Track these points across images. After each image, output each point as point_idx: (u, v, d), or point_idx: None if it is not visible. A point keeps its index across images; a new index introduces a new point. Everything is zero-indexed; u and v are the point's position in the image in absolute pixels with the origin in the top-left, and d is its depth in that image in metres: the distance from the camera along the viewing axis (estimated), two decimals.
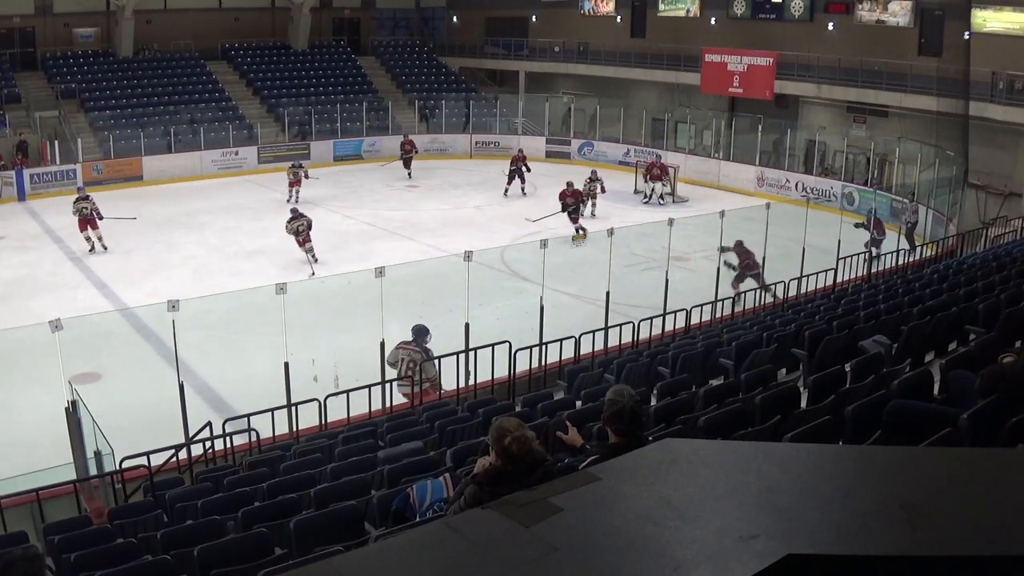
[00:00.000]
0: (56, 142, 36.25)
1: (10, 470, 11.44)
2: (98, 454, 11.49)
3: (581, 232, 26.24)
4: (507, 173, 34.15)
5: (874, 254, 21.31)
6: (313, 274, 23.66)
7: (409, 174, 37.08)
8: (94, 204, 26.30)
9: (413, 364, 14.09)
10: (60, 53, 42.10)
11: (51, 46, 42.21)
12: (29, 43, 42.28)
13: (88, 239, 26.10)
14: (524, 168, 34.08)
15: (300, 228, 24.86)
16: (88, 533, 8.24)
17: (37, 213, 31.97)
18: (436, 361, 14.28)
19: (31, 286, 23.21)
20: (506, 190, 33.94)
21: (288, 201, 30.84)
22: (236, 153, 38.84)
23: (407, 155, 37.19)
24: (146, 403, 14.71)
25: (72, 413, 11.81)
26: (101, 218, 26.27)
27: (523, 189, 33.98)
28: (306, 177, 32.70)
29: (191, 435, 12.60)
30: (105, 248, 25.96)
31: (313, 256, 24.44)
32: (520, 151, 35.33)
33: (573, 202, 27.41)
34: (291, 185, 32.21)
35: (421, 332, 14.49)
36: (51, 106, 38.84)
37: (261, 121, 41.16)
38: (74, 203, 26.47)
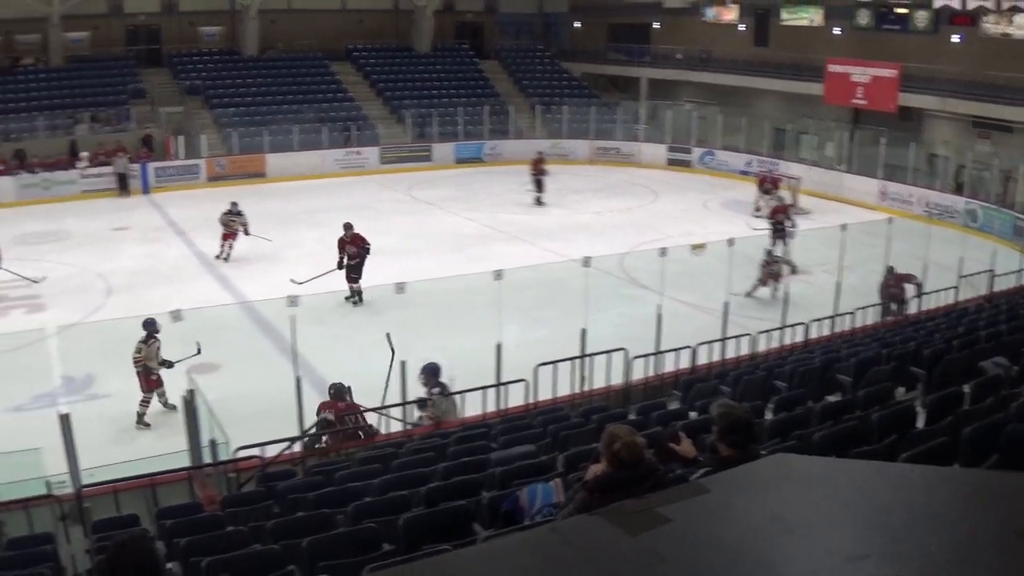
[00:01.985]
0: (181, 138, 37.12)
1: (127, 454, 11.77)
2: (213, 443, 11.65)
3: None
4: (534, 181, 33.17)
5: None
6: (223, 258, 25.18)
7: (539, 199, 33.28)
8: (245, 221, 25.68)
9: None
10: (185, 51, 43.10)
11: (177, 44, 43.20)
12: (155, 40, 43.36)
13: (223, 247, 25.62)
14: (539, 175, 33.13)
15: (231, 224, 25.28)
16: (200, 519, 8.35)
17: (161, 206, 32.73)
18: (456, 397, 13.58)
19: (153, 277, 23.65)
20: (538, 199, 32.94)
21: (219, 257, 25.67)
22: (359, 153, 39.24)
23: (539, 175, 33.84)
24: (263, 395, 14.85)
25: (189, 402, 12.02)
26: (247, 235, 25.56)
27: (539, 199, 32.93)
28: (245, 233, 25.83)
29: (305, 428, 12.80)
30: (226, 259, 25.54)
31: (226, 253, 25.38)
32: (539, 154, 34.34)
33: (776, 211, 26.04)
34: (225, 237, 25.79)
35: (433, 372, 13.56)
36: (176, 102, 39.75)
37: (383, 122, 41.53)
38: (224, 214, 25.73)
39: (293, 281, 19.99)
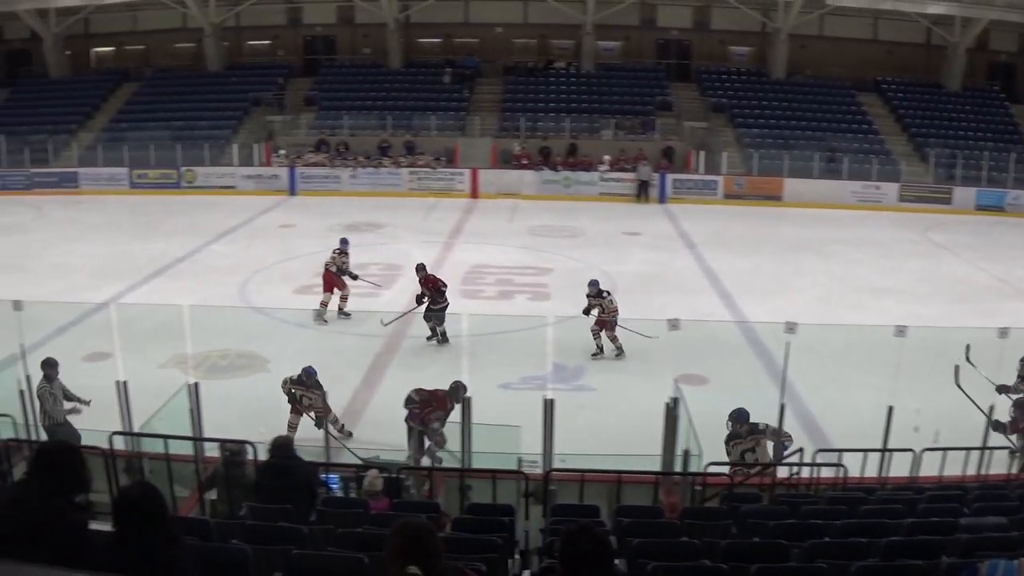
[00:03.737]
0: (702, 153, 37.80)
1: (600, 448, 12.06)
2: (687, 453, 11.68)
3: None
4: None
5: None
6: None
7: None
8: (344, 262, 21.41)
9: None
10: (714, 68, 43.76)
11: (706, 60, 44.04)
12: (685, 55, 44.59)
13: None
14: None
15: (343, 266, 21.34)
16: (657, 524, 8.35)
17: (674, 216, 33.46)
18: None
19: (657, 283, 24.16)
20: None
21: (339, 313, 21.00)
22: (877, 187, 37.78)
23: None
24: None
25: (671, 409, 12.12)
26: (355, 278, 21.52)
27: None
28: (347, 275, 21.45)
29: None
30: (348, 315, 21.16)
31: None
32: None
33: None
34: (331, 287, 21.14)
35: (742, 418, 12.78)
36: (700, 117, 40.50)
37: (906, 159, 39.72)
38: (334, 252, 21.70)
39: (382, 323, 19.17)
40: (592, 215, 33.31)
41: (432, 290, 19.02)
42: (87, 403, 14.00)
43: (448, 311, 18.87)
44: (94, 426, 11.38)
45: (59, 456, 4.58)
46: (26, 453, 10.28)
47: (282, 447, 9.97)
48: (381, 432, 14.80)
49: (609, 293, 18.70)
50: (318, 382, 14.28)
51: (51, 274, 25.62)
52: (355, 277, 21.65)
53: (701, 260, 27.25)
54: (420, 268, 19.69)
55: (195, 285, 23.25)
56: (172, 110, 43.12)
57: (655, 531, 7.90)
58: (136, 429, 12.65)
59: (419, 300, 19.28)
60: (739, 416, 12.70)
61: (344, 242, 22.39)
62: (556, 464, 10.98)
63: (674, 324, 12.48)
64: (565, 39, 44.72)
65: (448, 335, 18.90)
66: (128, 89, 46.73)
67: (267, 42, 48.07)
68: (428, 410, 13.44)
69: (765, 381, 16.16)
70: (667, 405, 12.09)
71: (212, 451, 11.75)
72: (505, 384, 16.19)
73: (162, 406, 13.55)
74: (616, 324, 18.18)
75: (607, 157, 37.65)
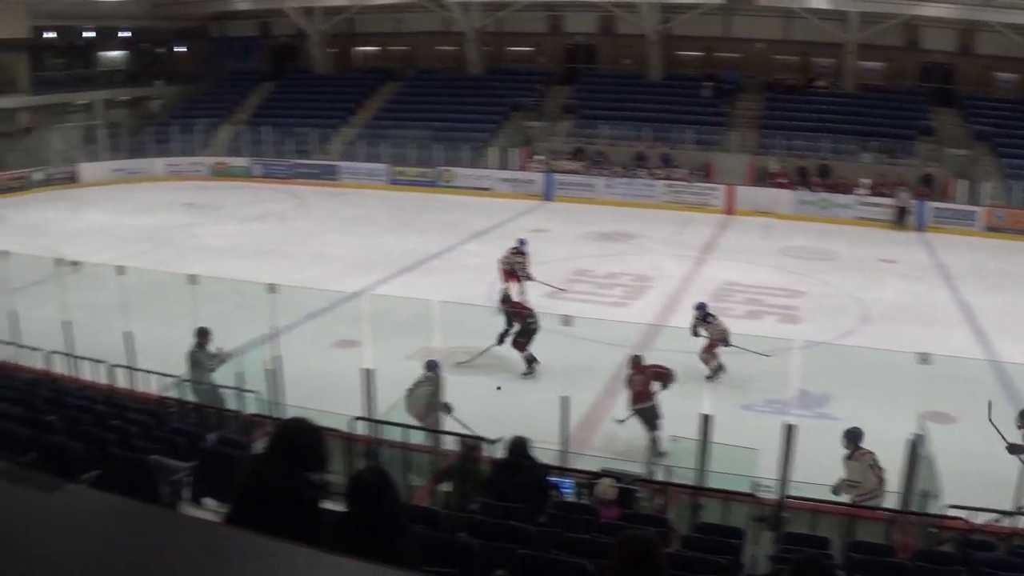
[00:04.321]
0: (963, 181, 36.24)
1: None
2: (926, 493, 11.35)
3: None
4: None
5: None
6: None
7: None
8: (525, 264, 23.22)
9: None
10: (979, 94, 41.69)
11: (971, 86, 42.04)
12: (949, 80, 42.63)
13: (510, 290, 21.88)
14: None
15: (517, 266, 22.82)
16: (886, 563, 8.16)
17: (932, 246, 32.26)
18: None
19: (909, 315, 23.41)
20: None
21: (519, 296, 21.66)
22: None
23: None
24: (986, 459, 14.19)
25: (914, 446, 11.75)
26: (529, 279, 22.95)
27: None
28: (527, 279, 23.09)
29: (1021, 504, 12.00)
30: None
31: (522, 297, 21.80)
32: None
33: None
34: (507, 278, 22.95)
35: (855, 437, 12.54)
36: (963, 145, 38.69)
37: None
38: (509, 252, 23.47)
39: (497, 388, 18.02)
40: (848, 239, 32.55)
41: (522, 320, 18.84)
42: (229, 355, 15.35)
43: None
44: (337, 410, 11.79)
45: (299, 434, 4.79)
46: (268, 429, 10.77)
47: (519, 447, 10.17)
48: (616, 441, 14.89)
49: (715, 317, 18.49)
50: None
51: (309, 261, 26.88)
52: (530, 279, 23.05)
53: (956, 293, 26.14)
54: (506, 300, 19.80)
55: (446, 281, 23.95)
56: (432, 110, 44.71)
57: (885, 570, 7.72)
58: (378, 416, 13.10)
59: (503, 337, 18.91)
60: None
61: (521, 242, 23.83)
62: (791, 492, 10.84)
63: (924, 358, 12.14)
64: (826, 58, 43.77)
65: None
66: (390, 88, 48.82)
67: (528, 48, 49.01)
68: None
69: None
70: (910, 442, 11.72)
71: (449, 444, 12.04)
72: (747, 405, 16.02)
73: (404, 396, 14.00)
74: (728, 344, 17.97)
75: (867, 180, 36.64)
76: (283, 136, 44.54)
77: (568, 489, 10.94)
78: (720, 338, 18.00)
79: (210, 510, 8.43)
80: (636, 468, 12.13)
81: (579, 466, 12.43)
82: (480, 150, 42.23)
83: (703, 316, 18.35)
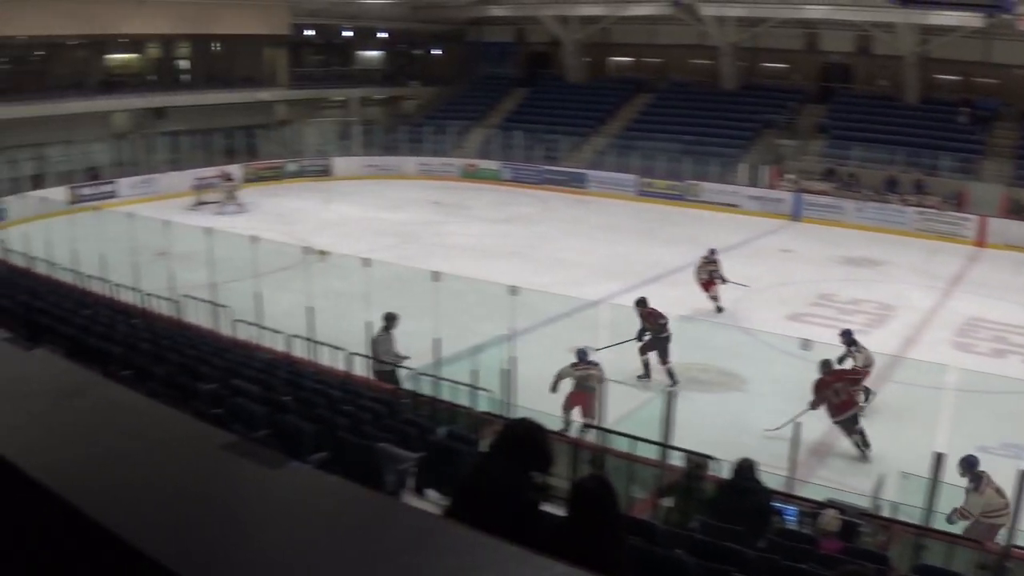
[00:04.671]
0: None
1: None
2: None
3: None
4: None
5: None
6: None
7: None
8: (718, 268, 24.07)
9: None
10: None
11: None
12: None
13: (712, 299, 23.86)
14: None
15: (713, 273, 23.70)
16: None
17: None
18: None
19: None
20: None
21: (719, 310, 23.74)
22: None
23: None
24: None
25: None
26: (724, 282, 23.94)
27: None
28: (722, 281, 24.02)
29: None
30: (720, 309, 23.72)
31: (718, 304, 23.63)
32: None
33: None
34: (705, 287, 24.04)
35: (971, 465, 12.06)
36: None
37: None
38: (703, 262, 24.21)
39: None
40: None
41: (653, 324, 18.74)
42: (407, 357, 16.22)
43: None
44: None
45: (526, 434, 4.78)
46: (497, 427, 10.89)
47: (746, 469, 10.00)
48: (844, 474, 14.45)
49: (861, 344, 17.77)
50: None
51: (550, 265, 27.09)
52: (724, 281, 23.91)
53: None
54: (641, 302, 19.20)
55: (688, 295, 23.65)
56: (683, 124, 44.53)
57: None
58: (607, 425, 13.07)
59: (640, 336, 18.97)
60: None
61: (712, 251, 24.42)
62: (1020, 541, 10.28)
63: None
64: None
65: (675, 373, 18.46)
66: (642, 99, 48.85)
67: (782, 65, 48.02)
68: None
69: None
70: None
71: (675, 459, 11.90)
72: (983, 447, 15.26)
73: (636, 408, 13.94)
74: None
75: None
76: (533, 142, 45.24)
77: (791, 516, 10.64)
78: (867, 365, 17.28)
79: (431, 502, 8.56)
80: (862, 502, 11.69)
81: (804, 494, 12.11)
82: (729, 166, 41.65)
83: (851, 342, 17.66)
